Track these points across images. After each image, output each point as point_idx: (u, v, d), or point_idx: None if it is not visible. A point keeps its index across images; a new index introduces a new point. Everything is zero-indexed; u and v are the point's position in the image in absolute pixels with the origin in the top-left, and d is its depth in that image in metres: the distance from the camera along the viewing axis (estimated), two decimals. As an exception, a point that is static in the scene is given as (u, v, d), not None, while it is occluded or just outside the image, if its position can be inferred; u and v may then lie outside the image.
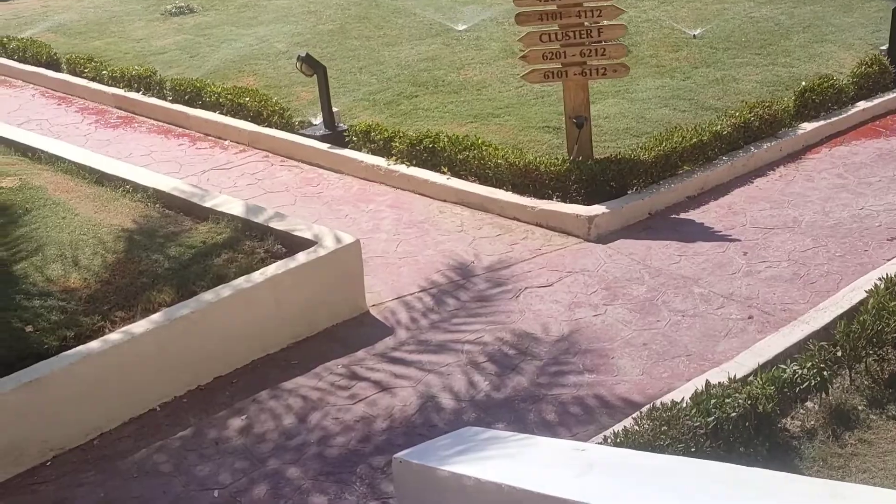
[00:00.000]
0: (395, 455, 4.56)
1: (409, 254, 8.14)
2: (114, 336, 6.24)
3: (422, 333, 6.99)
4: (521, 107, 10.69)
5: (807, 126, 9.74)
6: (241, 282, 6.73)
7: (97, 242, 7.42)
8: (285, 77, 12.28)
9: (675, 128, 9.21)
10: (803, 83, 10.08)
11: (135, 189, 8.32)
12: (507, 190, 8.74)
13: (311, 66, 10.14)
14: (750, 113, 9.36)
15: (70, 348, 6.13)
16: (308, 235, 7.23)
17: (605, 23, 8.47)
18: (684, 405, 5.46)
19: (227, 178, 9.90)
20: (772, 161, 9.36)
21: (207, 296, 6.59)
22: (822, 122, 9.84)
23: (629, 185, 8.64)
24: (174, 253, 7.25)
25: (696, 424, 5.28)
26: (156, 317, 6.42)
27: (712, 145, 9.02)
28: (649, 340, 6.73)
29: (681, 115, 10.14)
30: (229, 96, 11.15)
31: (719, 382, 5.73)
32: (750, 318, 6.90)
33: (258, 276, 6.78)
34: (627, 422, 5.47)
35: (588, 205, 8.34)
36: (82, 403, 6.03)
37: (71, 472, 5.85)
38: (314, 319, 7.02)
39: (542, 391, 6.29)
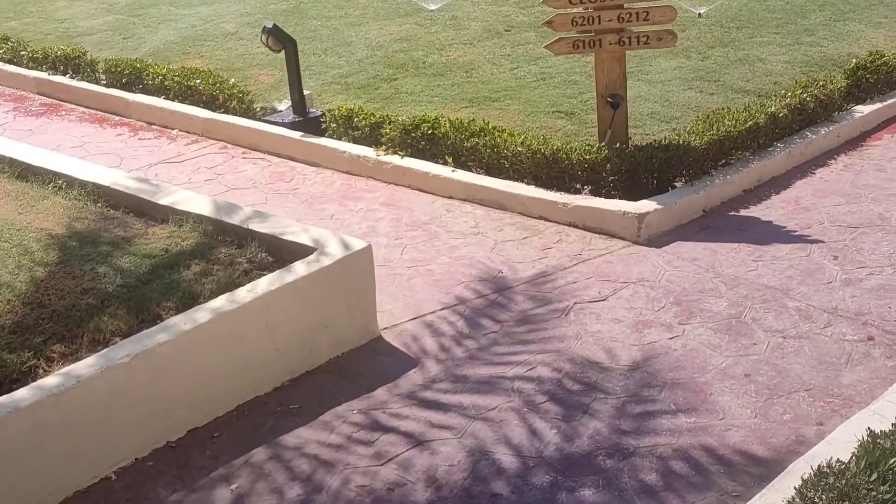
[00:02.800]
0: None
1: (419, 262, 6.56)
2: (51, 380, 4.54)
3: (457, 366, 5.41)
4: (523, 90, 9.18)
5: (863, 109, 8.40)
6: (222, 302, 5.06)
7: (22, 252, 5.71)
8: (238, 59, 10.60)
9: (723, 110, 7.77)
10: (854, 61, 8.75)
11: (69, 184, 6.60)
12: (527, 183, 7.23)
13: (280, 39, 8.47)
14: (804, 93, 7.98)
15: (-10, 398, 4.44)
16: (304, 240, 5.59)
17: (648, -20, 7.01)
18: (854, 467, 4.01)
19: (179, 172, 8.19)
20: (829, 149, 7.99)
21: (178, 321, 4.93)
22: (878, 105, 8.51)
23: (674, 177, 7.20)
24: (127, 265, 5.56)
25: (885, 498, 3.83)
26: (108, 351, 4.74)
27: (766, 130, 7.61)
28: (751, 370, 5.26)
29: (710, 97, 8.75)
30: (176, 79, 9.41)
31: (882, 431, 4.31)
32: (871, 339, 5.48)
33: (245, 293, 5.12)
34: (785, 491, 3.98)
35: (631, 200, 6.87)
36: (8, 473, 4.33)
37: (-7, 574, 4.16)
38: (316, 348, 5.39)
39: (629, 441, 4.76)
